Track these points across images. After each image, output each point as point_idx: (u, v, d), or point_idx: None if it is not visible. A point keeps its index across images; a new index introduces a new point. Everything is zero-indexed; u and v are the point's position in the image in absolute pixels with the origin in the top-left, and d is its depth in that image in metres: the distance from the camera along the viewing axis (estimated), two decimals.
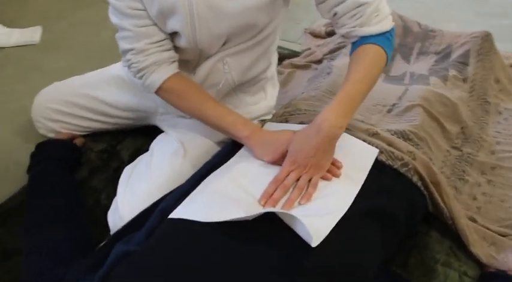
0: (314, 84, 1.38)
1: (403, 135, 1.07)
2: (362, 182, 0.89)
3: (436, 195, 1.03)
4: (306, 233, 0.72)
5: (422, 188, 1.00)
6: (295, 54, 1.91)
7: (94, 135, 1.42)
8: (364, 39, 0.95)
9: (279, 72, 1.75)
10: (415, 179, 0.98)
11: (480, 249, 1.05)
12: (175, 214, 0.81)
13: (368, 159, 0.94)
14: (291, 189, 0.86)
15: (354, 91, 0.92)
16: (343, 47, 1.79)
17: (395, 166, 0.97)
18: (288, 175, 0.87)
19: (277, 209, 0.77)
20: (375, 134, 1.03)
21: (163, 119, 1.23)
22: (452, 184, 1.18)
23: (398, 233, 0.92)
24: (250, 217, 0.76)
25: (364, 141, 0.98)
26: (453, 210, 1.04)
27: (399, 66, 1.69)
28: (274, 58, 1.18)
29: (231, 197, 0.83)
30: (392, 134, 1.06)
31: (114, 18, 0.97)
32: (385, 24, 0.94)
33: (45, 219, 1.05)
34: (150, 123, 1.30)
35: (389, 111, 1.21)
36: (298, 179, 0.87)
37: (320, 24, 2.11)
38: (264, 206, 0.82)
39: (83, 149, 1.37)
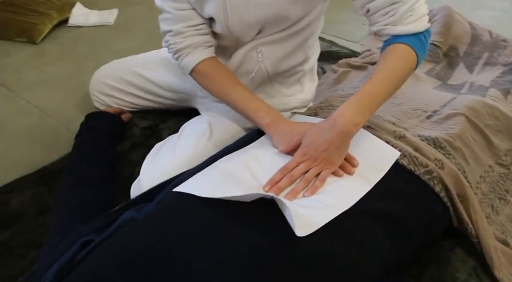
0: (357, 83, 1.35)
1: (435, 142, 1.01)
2: (374, 183, 0.86)
3: (461, 209, 0.96)
4: (291, 221, 0.71)
5: (445, 199, 0.94)
6: (354, 54, 1.87)
7: (141, 113, 1.50)
8: (395, 38, 0.92)
9: (333, 71, 1.73)
10: (437, 188, 0.93)
11: (507, 275, 0.97)
12: (180, 188, 0.84)
13: (387, 160, 0.91)
14: (298, 181, 0.86)
15: (374, 90, 0.89)
16: None
17: (417, 172, 0.92)
18: (297, 166, 0.86)
19: (272, 194, 0.77)
20: (401, 137, 0.99)
21: (201, 103, 1.27)
22: (488, 202, 1.10)
23: (409, 241, 0.88)
24: (247, 198, 0.76)
25: (387, 142, 0.95)
26: (480, 227, 0.97)
27: (460, 76, 1.61)
28: (314, 52, 1.17)
29: (236, 177, 0.85)
30: (422, 140, 1.01)
31: (157, 1, 1.02)
32: (419, 24, 0.90)
33: (78, 180, 1.13)
34: (191, 105, 1.35)
35: (428, 117, 1.15)
36: (307, 172, 0.86)
37: None
38: (267, 191, 0.82)
39: (128, 124, 1.46)
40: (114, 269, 0.72)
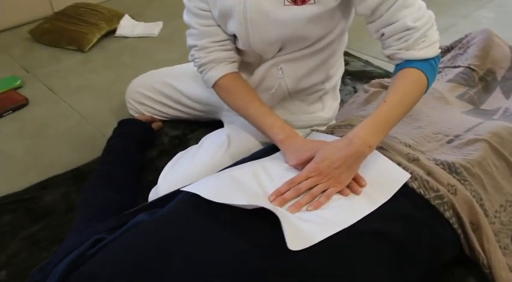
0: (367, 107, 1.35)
1: (450, 168, 1.00)
2: (379, 204, 0.86)
3: (473, 237, 0.94)
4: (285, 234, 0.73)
5: (455, 226, 0.92)
6: (388, 74, 1.86)
7: (172, 122, 1.56)
8: (408, 63, 0.94)
9: (365, 91, 1.73)
10: (448, 214, 0.91)
11: None
12: (189, 188, 0.88)
13: (396, 182, 0.91)
14: (303, 195, 0.87)
15: (388, 112, 0.91)
16: (438, 72, 1.70)
17: (427, 196, 0.91)
18: (306, 180, 0.88)
19: (272, 207, 0.79)
20: (414, 160, 0.98)
21: (226, 115, 1.31)
22: (508, 233, 1.06)
23: (414, 263, 0.87)
24: (249, 206, 0.79)
25: (399, 164, 0.95)
26: (492, 258, 0.95)
27: (496, 101, 1.56)
28: (337, 71, 1.18)
29: (243, 185, 0.87)
30: (437, 164, 1.00)
31: (185, 17, 1.08)
32: (431, 50, 0.94)
33: (103, 182, 1.20)
34: (218, 117, 1.40)
35: (449, 141, 1.13)
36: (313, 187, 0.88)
37: None
38: (271, 201, 0.84)
39: (159, 132, 1.52)
40: (119, 267, 0.77)
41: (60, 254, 0.86)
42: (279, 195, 0.85)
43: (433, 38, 0.95)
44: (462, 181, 0.99)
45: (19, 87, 1.85)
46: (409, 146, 1.05)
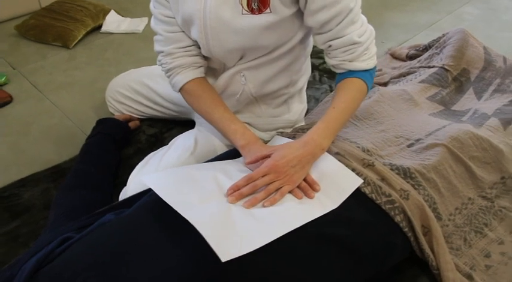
0: None
1: (405, 173, 1.04)
2: (331, 208, 0.90)
3: (423, 240, 0.98)
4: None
5: (406, 230, 0.97)
6: None
7: (150, 121, 1.60)
8: (351, 73, 1.04)
9: None
10: (398, 218, 0.96)
11: None
12: (150, 178, 0.92)
13: (348, 188, 0.95)
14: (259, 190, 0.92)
15: (337, 117, 1.00)
16: (413, 72, 1.73)
17: (378, 201, 0.96)
18: (263, 177, 0.92)
19: (200, 221, 0.81)
20: (369, 166, 1.02)
21: (197, 117, 1.34)
22: (461, 234, 1.11)
23: (362, 267, 0.92)
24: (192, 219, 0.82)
25: (353, 170, 0.99)
26: (441, 260, 0.99)
27: (467, 102, 1.59)
28: (302, 76, 1.21)
29: (200, 183, 0.92)
30: (392, 169, 1.04)
31: (152, 23, 1.11)
32: (371, 61, 1.04)
33: (78, 181, 1.25)
34: (191, 118, 1.43)
35: (410, 145, 1.17)
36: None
37: (404, 46, 2.05)
38: (229, 196, 0.88)
39: (136, 130, 1.56)
40: (81, 266, 0.81)
41: (30, 252, 0.90)
42: (236, 190, 0.90)
43: (373, 50, 1.05)
44: (416, 186, 1.03)
45: (4, 83, 1.88)
46: (368, 150, 1.09)
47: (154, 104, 1.48)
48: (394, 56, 2.00)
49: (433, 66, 1.69)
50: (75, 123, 1.67)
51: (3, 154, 1.55)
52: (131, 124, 1.54)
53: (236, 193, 0.89)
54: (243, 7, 0.96)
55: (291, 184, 0.92)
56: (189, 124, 1.52)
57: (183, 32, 1.08)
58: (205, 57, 1.13)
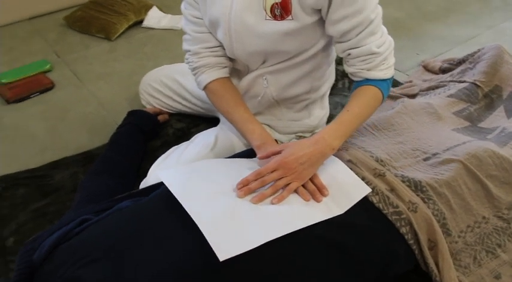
0: (385, 112, 1.38)
1: (416, 185, 1.04)
2: (336, 214, 0.93)
3: (427, 254, 0.99)
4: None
5: (411, 242, 0.98)
6: (395, 84, 1.88)
7: (179, 115, 1.66)
8: (368, 81, 1.06)
9: None
10: (404, 230, 0.97)
11: None
12: (164, 173, 0.97)
13: (355, 195, 0.97)
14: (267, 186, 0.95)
15: (350, 120, 1.03)
16: (442, 86, 1.72)
17: (385, 211, 0.97)
18: (271, 172, 0.95)
19: (204, 221, 0.84)
20: (380, 176, 1.03)
21: (221, 115, 1.39)
22: (471, 253, 1.10)
23: (363, 274, 0.93)
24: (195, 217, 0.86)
25: (363, 179, 1.00)
26: (445, 276, 0.99)
27: (496, 119, 1.57)
28: (324, 83, 1.24)
29: (213, 178, 0.96)
30: (403, 181, 1.04)
31: (182, 23, 1.17)
32: (388, 72, 1.06)
33: (104, 167, 1.32)
34: (217, 115, 1.48)
35: (426, 159, 1.17)
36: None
37: (438, 59, 2.03)
38: (238, 190, 0.92)
39: (165, 124, 1.63)
40: (96, 245, 0.88)
41: (51, 229, 0.98)
42: (246, 184, 0.93)
43: (391, 61, 1.07)
44: (426, 199, 1.04)
45: (48, 71, 2.00)
46: (382, 160, 1.10)
47: (184, 100, 1.54)
48: (427, 69, 1.98)
49: (464, 81, 1.67)
50: (109, 113, 1.75)
51: (41, 137, 1.65)
52: (160, 117, 1.61)
53: (245, 188, 0.92)
54: (266, 13, 0.99)
55: (299, 181, 0.95)
56: (215, 121, 1.57)
57: (210, 33, 1.12)
58: (230, 59, 1.17)
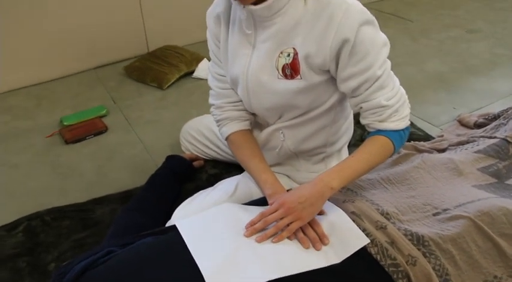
0: (389, 169, 1.42)
1: (418, 239, 1.07)
2: (332, 262, 0.98)
3: None
4: None
5: None
6: (427, 138, 1.90)
7: (214, 162, 1.79)
8: (379, 131, 1.11)
9: (397, 152, 1.79)
10: None
11: None
12: (180, 223, 1.08)
13: (353, 245, 1.01)
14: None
15: (353, 165, 1.08)
16: (472, 141, 1.72)
17: (382, 263, 1.01)
18: (273, 213, 1.03)
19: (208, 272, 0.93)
20: (381, 228, 1.07)
21: None
22: None
23: None
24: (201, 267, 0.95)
25: (364, 230, 1.05)
26: None
27: None
28: (341, 137, 1.31)
29: (221, 224, 1.06)
30: (405, 234, 1.08)
31: (208, 79, 1.31)
32: (401, 123, 1.10)
33: (136, 205, 1.46)
34: None
35: (436, 214, 1.19)
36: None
37: (474, 114, 2.03)
38: (246, 229, 1.02)
39: (200, 169, 1.76)
40: (117, 274, 0.99)
41: (82, 257, 1.11)
42: (253, 225, 1.02)
43: (404, 113, 1.11)
44: (427, 254, 1.06)
45: (104, 115, 2.22)
46: (387, 213, 1.14)
47: (217, 148, 1.67)
48: (462, 123, 1.99)
49: (495, 137, 1.67)
50: (151, 157, 1.91)
51: (90, 175, 1.84)
52: (196, 163, 1.74)
53: (251, 228, 1.02)
54: (278, 72, 1.10)
55: (300, 221, 1.01)
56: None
57: (232, 89, 1.25)
58: (251, 113, 1.29)
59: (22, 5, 2.41)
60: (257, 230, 1.01)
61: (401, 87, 1.12)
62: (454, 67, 2.57)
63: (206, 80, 2.54)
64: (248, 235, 1.01)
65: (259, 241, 0.99)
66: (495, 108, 2.08)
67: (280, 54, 1.08)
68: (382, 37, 1.07)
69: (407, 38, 2.99)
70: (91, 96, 2.45)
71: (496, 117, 1.87)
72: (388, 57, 1.09)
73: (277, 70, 1.10)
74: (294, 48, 1.06)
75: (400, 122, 1.10)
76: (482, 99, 2.22)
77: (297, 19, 1.04)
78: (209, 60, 2.66)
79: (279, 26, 1.06)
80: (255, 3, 1.02)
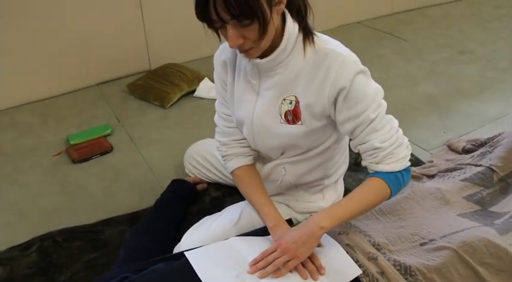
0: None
1: (406, 270, 1.18)
2: None
3: None
4: None
5: None
6: (417, 163, 2.01)
7: (217, 185, 1.88)
8: (376, 173, 1.18)
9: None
10: None
11: None
12: (190, 253, 1.18)
13: (347, 276, 1.12)
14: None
15: (345, 206, 1.16)
16: (459, 169, 1.83)
17: None
18: (273, 252, 1.13)
19: None
20: (373, 259, 1.18)
21: None
22: None
23: None
24: None
25: (356, 261, 1.16)
26: None
27: (509, 203, 1.64)
28: (337, 171, 1.42)
29: (228, 256, 1.16)
30: (394, 265, 1.19)
31: (215, 118, 1.41)
32: (397, 165, 1.15)
33: (144, 228, 1.55)
34: None
35: (422, 244, 1.30)
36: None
37: (463, 139, 2.14)
38: (250, 266, 1.13)
39: (203, 192, 1.86)
40: None
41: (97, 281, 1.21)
42: (256, 263, 1.13)
43: (400, 155, 1.15)
44: None
45: (109, 134, 2.31)
46: (378, 244, 1.25)
47: (220, 173, 1.77)
48: (451, 148, 2.10)
49: (480, 165, 1.78)
50: (156, 178, 2.01)
51: (97, 196, 1.93)
52: (199, 186, 1.84)
53: (254, 266, 1.12)
54: (281, 117, 1.21)
55: (296, 259, 1.12)
56: None
57: (237, 128, 1.35)
58: (254, 149, 1.39)
59: (26, 21, 2.50)
60: (259, 268, 1.12)
61: (400, 130, 1.19)
62: (445, 90, 2.67)
63: (207, 99, 2.70)
64: (252, 272, 1.12)
65: (261, 277, 1.10)
66: (483, 133, 2.19)
67: (283, 101, 1.18)
68: (374, 84, 1.17)
69: (402, 59, 3.10)
70: (95, 114, 2.53)
71: (483, 144, 1.98)
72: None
73: (280, 116, 1.20)
74: (295, 96, 1.17)
75: (395, 164, 1.16)
76: (472, 124, 2.32)
77: (296, 72, 1.15)
78: (211, 79, 2.78)
79: (281, 77, 1.16)
80: (260, 57, 1.12)
